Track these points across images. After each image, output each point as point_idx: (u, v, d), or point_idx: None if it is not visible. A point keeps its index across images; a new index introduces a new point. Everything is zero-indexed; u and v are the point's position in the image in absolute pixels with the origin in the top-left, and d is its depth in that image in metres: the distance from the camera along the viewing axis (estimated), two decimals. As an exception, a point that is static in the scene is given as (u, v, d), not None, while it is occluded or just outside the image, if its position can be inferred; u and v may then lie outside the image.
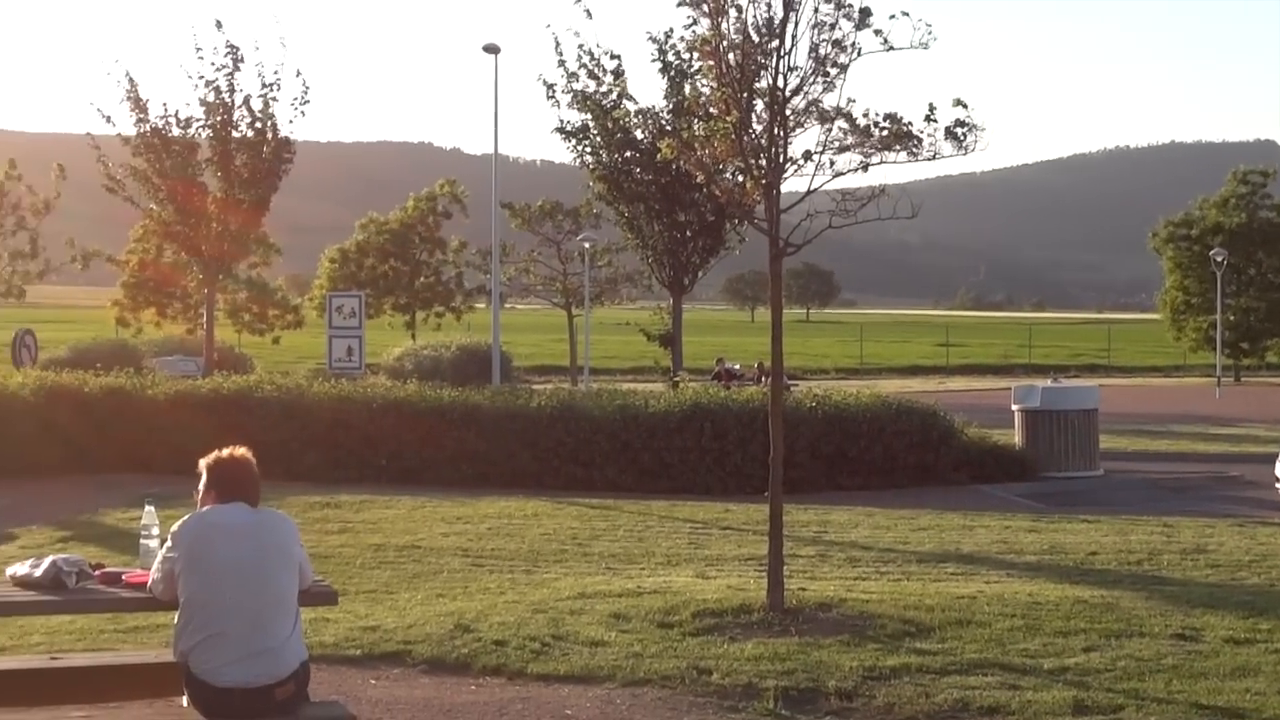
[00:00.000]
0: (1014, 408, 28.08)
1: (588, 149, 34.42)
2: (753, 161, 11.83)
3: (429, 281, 67.76)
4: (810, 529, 18.52)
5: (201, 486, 7.30)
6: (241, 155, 33.44)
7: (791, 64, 11.65)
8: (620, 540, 17.59)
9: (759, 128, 11.84)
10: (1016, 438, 27.74)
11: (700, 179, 13.44)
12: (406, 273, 67.09)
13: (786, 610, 11.86)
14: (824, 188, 12.18)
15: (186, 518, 7.10)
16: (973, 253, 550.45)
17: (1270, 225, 73.03)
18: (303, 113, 33.89)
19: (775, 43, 11.59)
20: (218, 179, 33.56)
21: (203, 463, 7.33)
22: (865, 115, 11.75)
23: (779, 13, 11.58)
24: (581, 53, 33.44)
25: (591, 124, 34.01)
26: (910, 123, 11.72)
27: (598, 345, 65.36)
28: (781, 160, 11.81)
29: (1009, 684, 9.85)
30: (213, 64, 33.03)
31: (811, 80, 11.64)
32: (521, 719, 9.36)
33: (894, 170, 12.06)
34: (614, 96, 33.53)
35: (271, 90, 33.45)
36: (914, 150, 11.75)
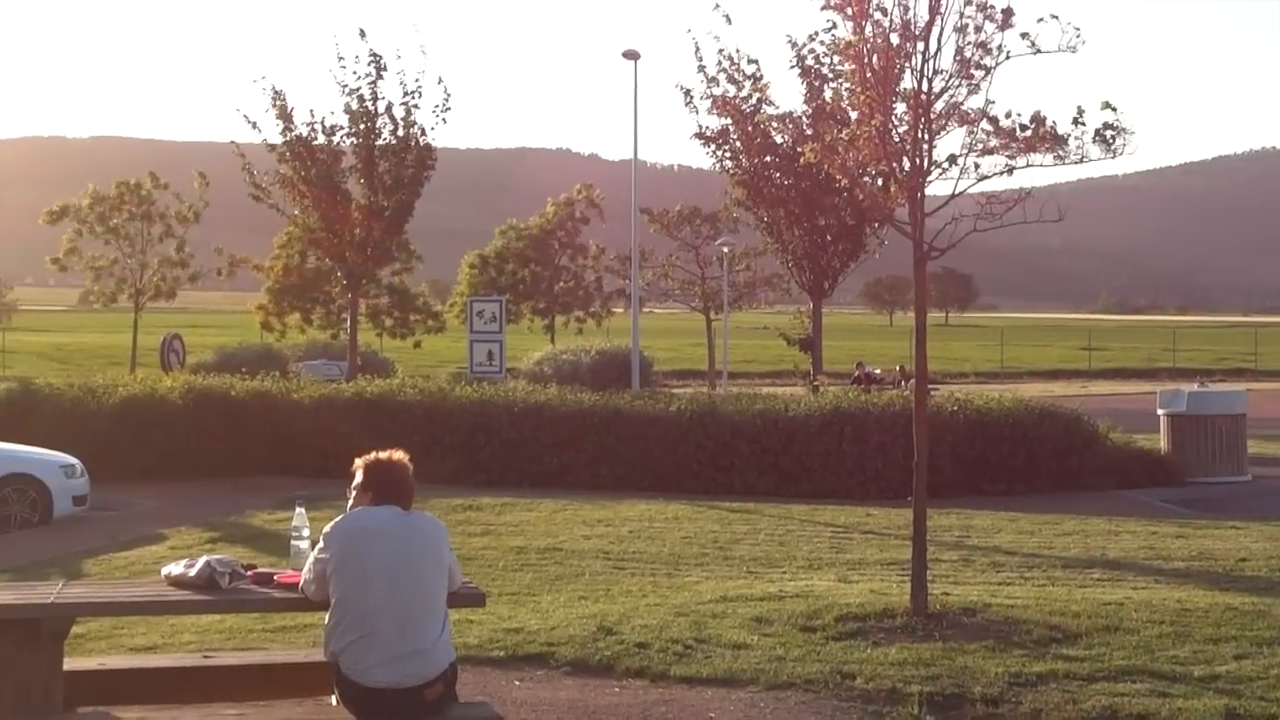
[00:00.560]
0: (1159, 412, 27.69)
1: (727, 154, 34.36)
2: (896, 165, 11.78)
3: (568, 286, 68.11)
4: (953, 533, 18.39)
5: (356, 487, 7.35)
6: (385, 162, 33.78)
7: (936, 67, 11.59)
8: (761, 544, 17.56)
9: (902, 131, 11.79)
10: (1162, 443, 27.34)
11: (843, 183, 13.40)
12: (546, 277, 67.52)
13: (930, 615, 11.78)
14: (967, 191, 12.10)
15: (338, 519, 7.17)
16: (1114, 256, 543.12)
17: None
18: (444, 119, 34.17)
19: (919, 46, 11.53)
20: (361, 186, 33.92)
21: (359, 462, 7.39)
22: (1010, 117, 11.64)
23: (923, 16, 11.53)
24: (721, 57, 33.42)
25: (731, 129, 33.94)
26: (1056, 125, 11.60)
27: (736, 349, 65.37)
28: (925, 164, 11.74)
29: (1158, 691, 9.72)
30: (356, 73, 33.46)
31: (956, 84, 11.56)
32: (665, 722, 9.39)
33: (1034, 174, 11.91)
34: (754, 101, 33.46)
35: (413, 98, 33.78)
36: (1060, 153, 11.62)
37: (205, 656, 8.92)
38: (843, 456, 24.81)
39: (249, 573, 7.76)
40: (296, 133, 33.49)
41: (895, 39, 11.64)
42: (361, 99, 33.55)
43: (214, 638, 11.60)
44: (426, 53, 34.23)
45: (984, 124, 11.68)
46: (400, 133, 33.83)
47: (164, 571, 7.80)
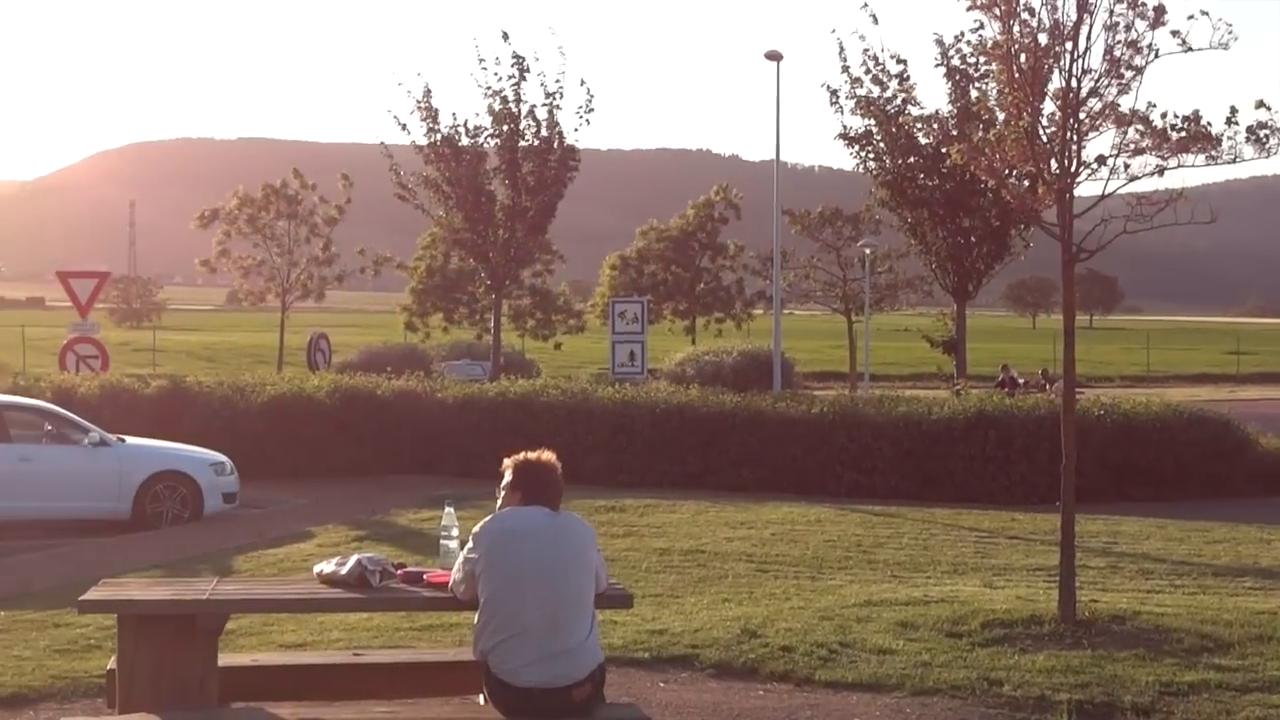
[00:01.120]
0: (1313, 417, 27.16)
1: (870, 155, 34.19)
2: (1044, 166, 11.64)
3: (709, 287, 68.09)
4: (1100, 539, 18.18)
5: (505, 486, 7.37)
6: (528, 163, 34.05)
7: (1085, 66, 11.43)
8: (905, 548, 17.46)
9: (1050, 131, 11.65)
10: (1317, 449, 26.76)
11: (989, 183, 13.27)
12: (687, 279, 67.50)
13: (1078, 622, 11.63)
14: (1116, 192, 11.92)
15: (487, 520, 7.21)
16: (1263, 259, 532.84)
17: None
18: (587, 121, 34.37)
19: (1068, 45, 11.39)
20: (505, 187, 34.19)
21: (508, 462, 7.41)
22: (1163, 117, 11.46)
23: (1072, 15, 11.38)
24: (866, 58, 33.28)
25: (875, 129, 33.76)
26: (1209, 124, 11.40)
27: (877, 351, 64.94)
28: (1074, 165, 11.59)
29: (1314, 703, 9.53)
30: (498, 74, 33.74)
31: (1105, 83, 11.40)
32: (810, 726, 9.36)
33: (1184, 174, 11.70)
34: (898, 101, 33.28)
35: (556, 99, 34.00)
36: (1213, 153, 11.43)
37: (355, 654, 9.00)
38: (986, 460, 24.61)
39: (399, 571, 7.82)
40: (442, 133, 33.85)
41: (1043, 39, 11.51)
42: (504, 100, 33.84)
43: (361, 635, 11.72)
44: (567, 54, 34.40)
45: (1135, 124, 11.51)
46: (543, 134, 34.06)
47: (316, 569, 7.88)
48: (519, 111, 33.94)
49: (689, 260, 68.20)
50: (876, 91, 33.35)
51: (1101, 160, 11.66)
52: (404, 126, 34.12)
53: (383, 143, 35.15)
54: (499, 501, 7.38)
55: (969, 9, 11.97)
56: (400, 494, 23.01)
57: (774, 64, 36.23)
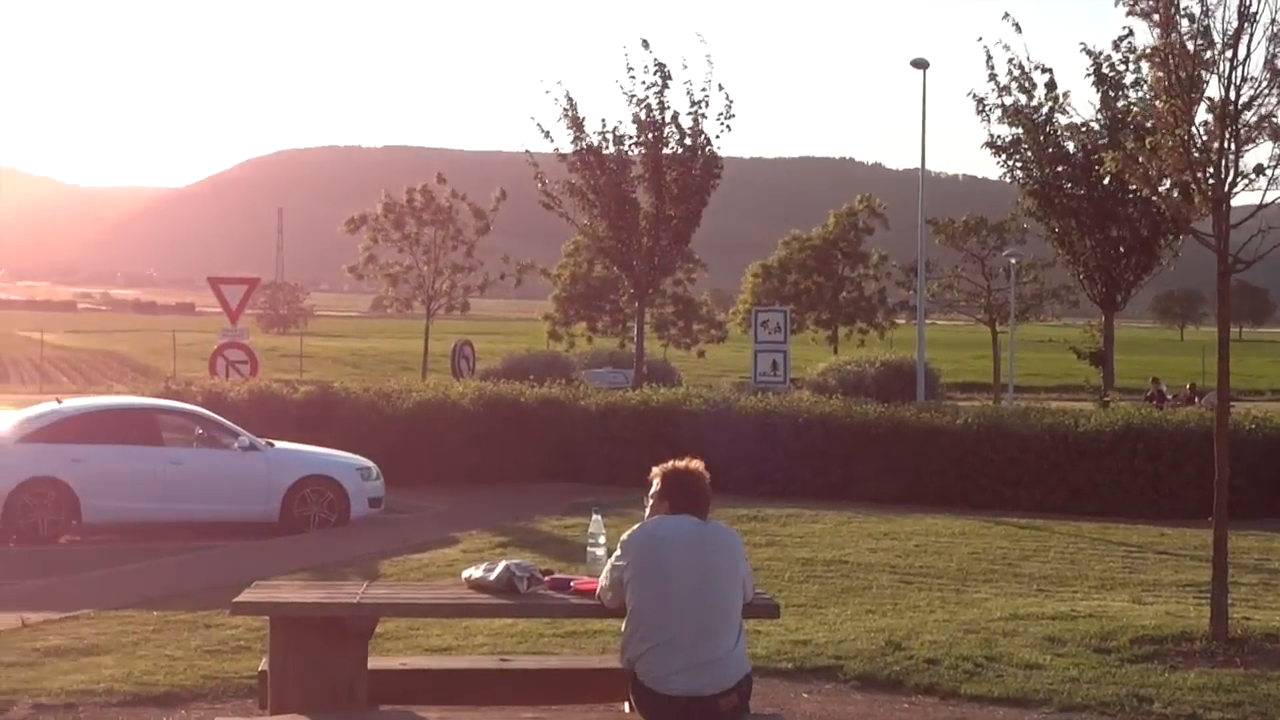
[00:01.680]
0: None
1: (1018, 164, 33.93)
2: (1199, 175, 11.45)
3: (851, 296, 67.86)
4: (1252, 556, 17.86)
5: (654, 495, 7.38)
6: (672, 171, 34.07)
7: (1245, 75, 11.23)
8: (1051, 562, 17.25)
9: (1207, 140, 11.45)
10: None
11: (1142, 193, 13.10)
12: (829, 288, 67.33)
13: (1231, 640, 11.43)
14: (1276, 202, 11.70)
15: (636, 528, 7.21)
16: None
17: None
18: (727, 127, 34.36)
19: (1228, 53, 11.19)
20: (649, 195, 34.26)
21: (656, 471, 7.41)
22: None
23: (1232, 22, 11.18)
24: (1012, 66, 33.03)
25: (1023, 138, 33.50)
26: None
27: (1022, 362, 64.33)
28: (1231, 174, 11.38)
29: None
30: (643, 82, 33.82)
31: (1266, 92, 11.19)
32: (956, 740, 9.27)
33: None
34: (1046, 110, 32.99)
35: (700, 107, 34.02)
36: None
37: (502, 660, 9.04)
38: (1134, 474, 24.22)
39: (546, 578, 7.85)
40: (587, 142, 34.00)
41: (1202, 46, 11.32)
42: (649, 108, 33.91)
43: (506, 641, 11.77)
44: (712, 63, 34.36)
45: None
46: (687, 142, 34.09)
47: (464, 574, 7.93)
48: (663, 119, 34.02)
49: (831, 269, 68.04)
50: (1024, 100, 33.09)
51: (1260, 170, 11.46)
52: (548, 135, 34.35)
53: (527, 150, 35.41)
54: (647, 510, 7.38)
55: (1128, 14, 11.80)
56: (543, 501, 23.09)
57: (920, 72, 36.04)
